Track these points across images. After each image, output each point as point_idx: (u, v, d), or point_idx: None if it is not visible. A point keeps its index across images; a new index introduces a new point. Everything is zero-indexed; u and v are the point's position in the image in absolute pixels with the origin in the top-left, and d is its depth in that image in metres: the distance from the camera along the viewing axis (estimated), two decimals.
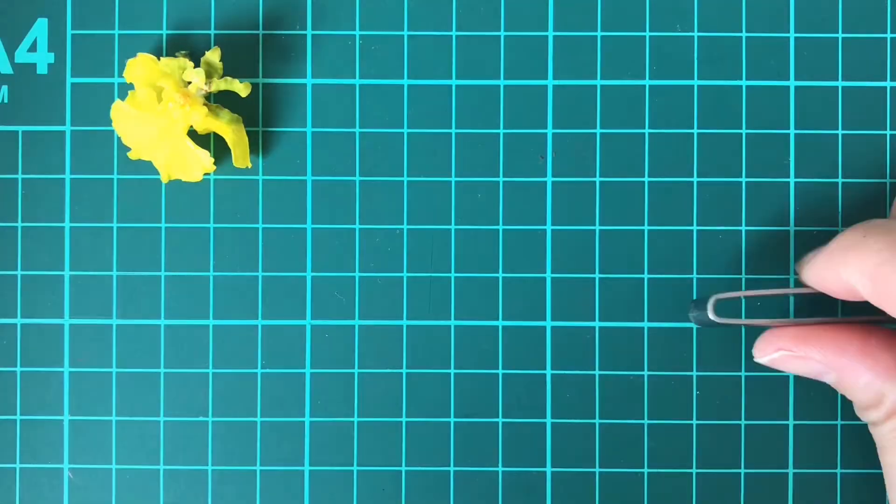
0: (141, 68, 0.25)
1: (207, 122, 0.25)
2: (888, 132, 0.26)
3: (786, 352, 0.23)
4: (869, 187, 0.26)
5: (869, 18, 0.26)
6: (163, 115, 0.25)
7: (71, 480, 0.26)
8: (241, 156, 0.25)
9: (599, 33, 0.26)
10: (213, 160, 0.25)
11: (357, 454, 0.26)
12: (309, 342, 0.26)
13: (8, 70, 0.26)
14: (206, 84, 0.25)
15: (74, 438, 0.26)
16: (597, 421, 0.26)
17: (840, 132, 0.26)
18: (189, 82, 0.25)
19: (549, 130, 0.26)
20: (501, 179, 0.26)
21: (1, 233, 0.26)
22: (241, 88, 0.25)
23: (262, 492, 0.26)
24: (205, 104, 0.25)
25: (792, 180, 0.26)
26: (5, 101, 0.26)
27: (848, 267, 0.21)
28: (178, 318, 0.26)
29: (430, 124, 0.26)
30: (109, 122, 0.26)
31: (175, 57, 0.25)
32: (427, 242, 0.26)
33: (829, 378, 0.23)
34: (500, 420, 0.26)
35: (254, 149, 0.26)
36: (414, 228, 0.26)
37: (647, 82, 0.26)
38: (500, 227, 0.26)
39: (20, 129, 0.26)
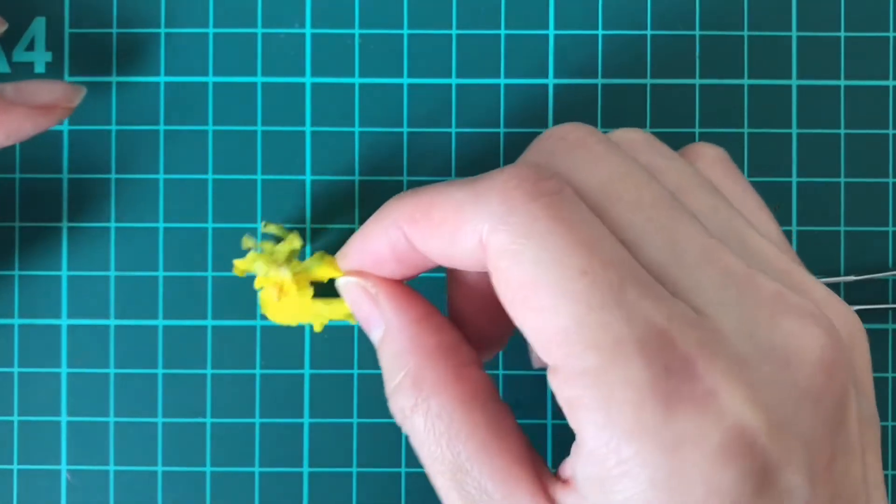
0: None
1: (308, 293, 0.23)
2: (891, 131, 0.26)
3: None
4: (871, 186, 0.26)
5: (871, 17, 0.26)
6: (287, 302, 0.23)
7: (69, 482, 0.26)
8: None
9: (600, 32, 0.26)
10: (336, 304, 0.23)
11: (357, 455, 0.26)
12: (308, 343, 0.26)
13: (6, 69, 0.26)
14: (279, 268, 0.23)
15: (72, 440, 0.26)
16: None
17: (843, 131, 0.26)
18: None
19: None
20: None
21: None
22: (293, 238, 0.23)
23: (261, 493, 0.26)
24: (296, 274, 0.23)
25: (794, 179, 0.26)
26: None
27: (378, 225, 0.19)
28: (176, 318, 0.26)
29: (430, 123, 0.26)
30: (107, 122, 0.26)
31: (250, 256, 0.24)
32: None
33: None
34: None
35: (253, 149, 0.26)
36: None
37: (648, 81, 0.26)
38: None
39: None
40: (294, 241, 0.24)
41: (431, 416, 0.19)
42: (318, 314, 0.24)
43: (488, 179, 0.17)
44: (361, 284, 0.21)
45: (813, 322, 0.16)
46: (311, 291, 0.23)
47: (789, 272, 0.18)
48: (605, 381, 0.15)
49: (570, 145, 0.18)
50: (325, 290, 0.26)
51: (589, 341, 0.15)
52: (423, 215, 0.18)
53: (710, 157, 0.21)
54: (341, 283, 0.21)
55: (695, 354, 0.15)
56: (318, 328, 0.24)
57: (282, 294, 0.23)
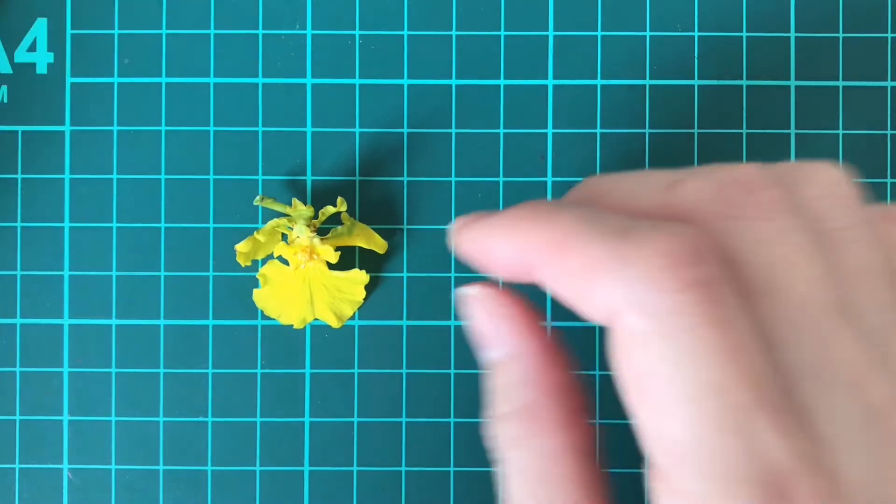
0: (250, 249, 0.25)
1: (339, 248, 0.25)
2: (888, 132, 0.26)
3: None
4: (870, 187, 0.26)
5: (869, 18, 0.26)
6: (299, 274, 0.25)
7: (70, 481, 0.26)
8: (377, 245, 0.25)
9: (599, 33, 0.26)
10: (364, 272, 0.25)
11: (357, 454, 0.26)
12: (309, 342, 0.26)
13: (7, 70, 0.26)
14: (312, 232, 0.25)
15: (74, 439, 0.26)
16: (598, 421, 0.26)
17: (840, 132, 0.26)
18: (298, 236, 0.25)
19: (550, 130, 0.26)
20: (501, 179, 0.26)
21: (1, 233, 0.26)
22: (340, 203, 0.25)
23: (262, 492, 0.26)
24: (323, 239, 0.25)
25: None
26: (5, 100, 0.26)
27: (528, 235, 0.17)
28: (177, 318, 0.26)
29: (430, 124, 0.26)
30: (109, 122, 0.26)
31: (267, 225, 0.25)
32: (427, 243, 0.26)
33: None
34: None
35: (254, 149, 0.26)
36: (414, 228, 0.26)
37: (648, 82, 0.26)
38: None
39: (20, 128, 0.26)
40: (339, 206, 0.25)
41: (531, 455, 0.17)
42: (310, 307, 0.25)
43: (636, 241, 0.15)
44: (495, 299, 0.19)
45: None
46: (336, 257, 0.24)
47: None
48: None
49: (755, 205, 0.16)
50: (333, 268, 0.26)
51: (701, 465, 0.14)
52: (558, 254, 0.16)
53: None
54: (470, 292, 0.19)
55: None
56: (298, 325, 0.25)
57: (311, 258, 0.24)
